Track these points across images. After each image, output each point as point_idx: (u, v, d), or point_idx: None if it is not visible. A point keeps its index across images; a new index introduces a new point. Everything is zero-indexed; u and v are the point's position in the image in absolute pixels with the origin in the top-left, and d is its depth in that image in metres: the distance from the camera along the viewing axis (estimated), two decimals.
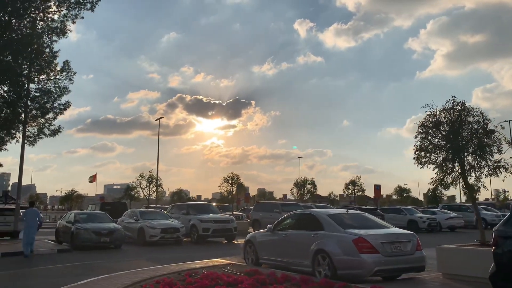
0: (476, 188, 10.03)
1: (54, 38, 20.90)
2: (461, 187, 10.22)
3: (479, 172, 9.76)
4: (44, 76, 21.41)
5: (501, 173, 9.67)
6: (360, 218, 10.09)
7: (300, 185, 58.94)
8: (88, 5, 20.47)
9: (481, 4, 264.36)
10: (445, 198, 70.09)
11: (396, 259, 8.65)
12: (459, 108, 9.84)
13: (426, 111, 10.20)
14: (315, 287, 7.59)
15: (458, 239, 21.43)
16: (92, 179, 64.43)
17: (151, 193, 49.70)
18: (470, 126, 9.75)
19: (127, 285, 8.27)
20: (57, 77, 21.52)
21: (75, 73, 21.86)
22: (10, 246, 16.95)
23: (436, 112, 10.09)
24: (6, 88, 20.15)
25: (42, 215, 17.37)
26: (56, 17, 20.67)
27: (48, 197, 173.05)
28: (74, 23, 20.96)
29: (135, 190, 52.84)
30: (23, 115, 20.77)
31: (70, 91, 21.72)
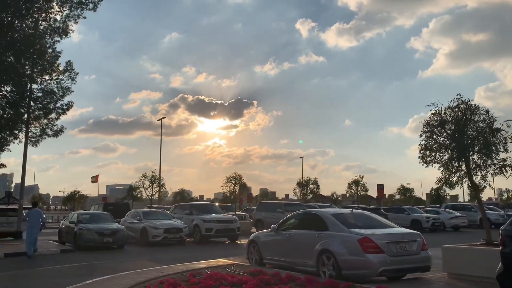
0: (482, 187, 9.94)
1: (57, 38, 20.88)
2: (467, 186, 10.12)
3: (485, 171, 9.68)
4: (46, 77, 21.37)
5: (507, 172, 9.58)
6: (365, 217, 10.02)
7: (303, 185, 58.84)
8: (91, 5, 20.44)
9: (484, 3, 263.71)
10: (448, 197, 69.91)
11: (402, 259, 8.57)
12: (465, 106, 9.75)
13: (431, 110, 10.13)
14: (320, 287, 7.53)
15: (462, 238, 21.32)
16: (95, 179, 64.36)
17: (153, 193, 49.71)
18: (476, 124, 9.66)
19: (131, 285, 8.22)
20: (60, 77, 21.48)
21: (77, 73, 21.82)
22: (13, 247, 16.95)
23: (441, 110, 10.00)
24: (8, 89, 20.14)
25: (45, 216, 17.36)
26: (58, 17, 20.66)
27: (51, 198, 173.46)
28: (76, 23, 20.92)
29: (138, 190, 52.85)
30: (25, 116, 20.75)
31: (73, 91, 21.70)
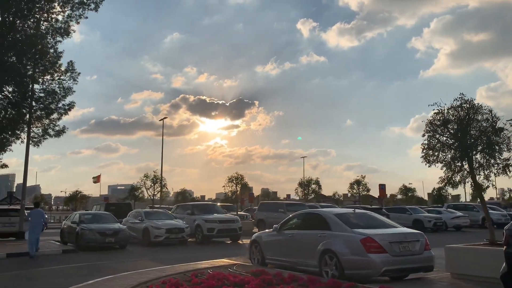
0: (485, 186, 9.89)
1: (58, 38, 20.91)
2: (470, 186, 10.07)
3: (488, 171, 9.63)
4: (48, 77, 21.42)
5: (510, 171, 9.53)
6: (367, 217, 9.98)
7: (305, 184, 58.79)
8: (92, 5, 20.44)
9: (485, 3, 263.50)
10: (450, 197, 69.76)
11: (405, 259, 8.54)
12: (468, 106, 9.70)
13: (434, 109, 10.08)
14: (322, 287, 7.50)
15: (464, 238, 21.29)
16: (96, 179, 64.48)
17: (155, 193, 49.71)
18: (479, 124, 9.61)
19: (133, 285, 8.20)
20: (61, 77, 21.53)
21: (79, 73, 21.86)
22: (16, 247, 16.94)
23: (444, 110, 9.95)
24: (10, 89, 20.16)
25: (46, 216, 17.36)
26: (60, 17, 20.68)
27: (53, 198, 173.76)
28: (78, 23, 20.94)
29: (140, 191, 52.88)
30: (27, 116, 20.78)
31: (74, 91, 21.74)
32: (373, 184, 62.34)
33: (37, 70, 20.82)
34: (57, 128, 21.77)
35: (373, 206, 36.00)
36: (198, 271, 9.59)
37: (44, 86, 21.41)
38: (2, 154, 21.22)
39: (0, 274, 10.98)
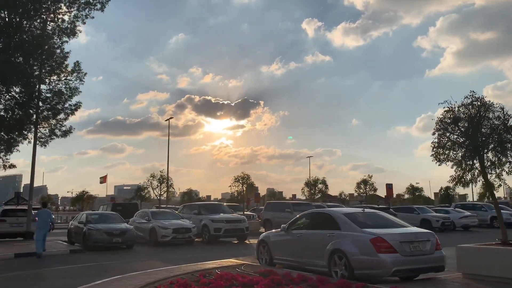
0: (497, 185, 9.74)
1: (65, 39, 20.97)
2: (481, 185, 9.93)
3: (499, 169, 9.48)
4: (55, 77, 21.49)
5: None
6: (377, 217, 9.87)
7: (311, 184, 58.62)
8: (98, 5, 20.48)
9: (491, 1, 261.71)
10: (457, 197, 69.33)
11: (415, 258, 8.42)
12: (478, 103, 9.55)
13: (444, 107, 9.93)
14: None
15: (474, 238, 21.09)
16: (103, 179, 64.66)
17: (162, 193, 49.75)
18: (490, 122, 9.45)
19: (141, 286, 8.16)
20: (68, 78, 21.60)
21: (85, 73, 21.92)
22: (23, 247, 16.98)
23: (454, 108, 9.80)
24: (17, 89, 20.22)
25: (54, 216, 17.38)
26: (66, 17, 20.74)
27: (59, 198, 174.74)
28: (84, 23, 20.97)
29: (146, 191, 52.96)
30: (34, 116, 20.84)
31: (81, 91, 21.80)
32: (379, 184, 62.10)
33: (43, 70, 20.88)
34: (63, 128, 21.85)
35: (380, 206, 35.76)
36: (206, 271, 9.53)
37: (51, 87, 21.51)
38: (10, 154, 21.33)
39: (8, 274, 10.99)
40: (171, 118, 49.37)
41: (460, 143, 9.72)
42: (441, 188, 66.65)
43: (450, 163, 9.87)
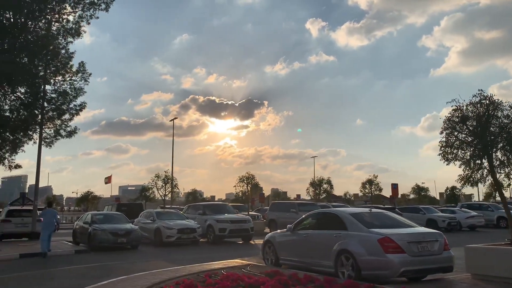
0: (506, 185, 9.61)
1: (70, 39, 21.04)
2: (489, 184, 9.81)
3: (509, 168, 9.35)
4: (59, 78, 21.56)
5: None
6: (384, 217, 9.76)
7: (316, 184, 58.46)
8: (103, 6, 20.51)
9: (496, 0, 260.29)
10: (462, 196, 68.93)
11: (423, 259, 8.32)
12: (487, 102, 9.43)
13: (452, 106, 9.81)
14: None
15: (480, 238, 20.91)
16: (108, 180, 64.78)
17: (166, 193, 49.76)
18: (499, 120, 9.33)
19: (146, 286, 8.11)
20: (73, 78, 21.66)
21: (90, 74, 21.99)
22: (28, 247, 17.00)
23: (462, 106, 9.68)
24: (23, 90, 20.25)
25: (59, 217, 17.38)
26: (71, 18, 20.79)
27: (64, 199, 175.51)
28: (89, 23, 21.03)
29: (151, 191, 52.98)
30: (39, 117, 20.88)
31: (86, 92, 21.85)
32: (383, 184, 61.82)
33: (48, 71, 20.94)
34: (68, 129, 21.91)
35: (386, 206, 35.58)
36: (212, 272, 9.46)
37: (56, 87, 21.58)
38: (15, 155, 21.37)
39: (14, 275, 10.98)
40: (175, 118, 49.39)
41: (468, 142, 9.59)
42: (447, 188, 66.38)
43: (458, 163, 9.75)
